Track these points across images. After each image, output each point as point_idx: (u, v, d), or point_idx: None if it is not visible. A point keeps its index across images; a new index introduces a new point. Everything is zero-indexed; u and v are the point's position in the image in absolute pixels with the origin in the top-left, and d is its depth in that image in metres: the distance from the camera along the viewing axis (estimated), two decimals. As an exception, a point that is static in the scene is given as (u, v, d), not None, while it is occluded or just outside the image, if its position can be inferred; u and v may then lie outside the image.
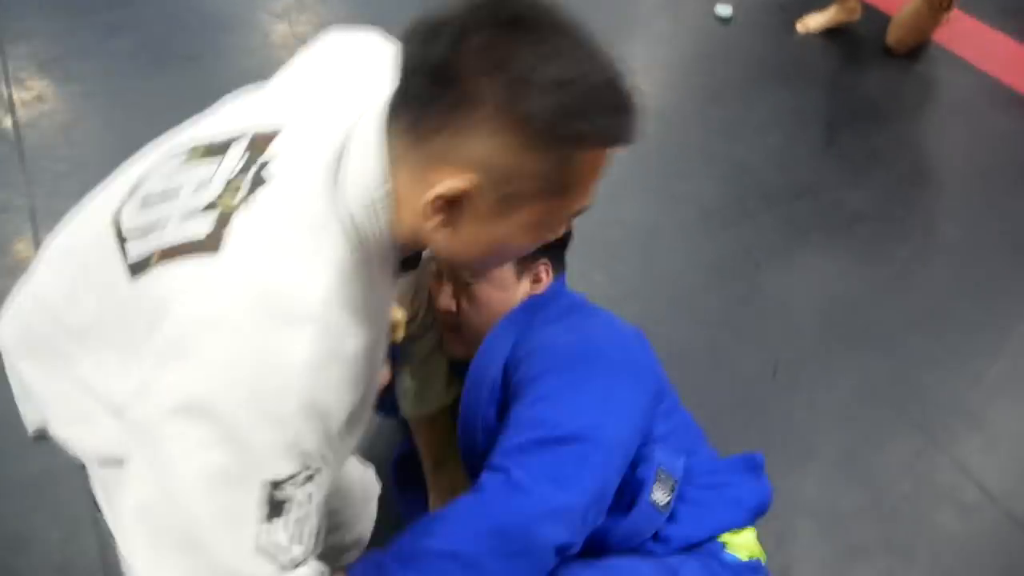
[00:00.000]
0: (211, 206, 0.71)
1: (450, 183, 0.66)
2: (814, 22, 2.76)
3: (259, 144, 0.74)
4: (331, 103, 0.78)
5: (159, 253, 0.70)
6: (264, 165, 0.72)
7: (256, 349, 0.65)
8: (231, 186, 0.72)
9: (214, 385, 0.64)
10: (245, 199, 0.70)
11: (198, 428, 0.64)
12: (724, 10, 2.75)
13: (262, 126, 0.77)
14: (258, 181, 0.71)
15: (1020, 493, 1.65)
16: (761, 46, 2.73)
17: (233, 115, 0.81)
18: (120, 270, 0.74)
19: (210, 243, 0.68)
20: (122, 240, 0.75)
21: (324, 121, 0.76)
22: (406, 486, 1.49)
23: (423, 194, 0.68)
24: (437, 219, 0.69)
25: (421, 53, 0.66)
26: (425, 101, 0.66)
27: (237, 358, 0.65)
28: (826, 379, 1.81)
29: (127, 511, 0.68)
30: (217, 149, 0.76)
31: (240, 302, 0.66)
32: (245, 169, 0.72)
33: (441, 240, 0.72)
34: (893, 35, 2.71)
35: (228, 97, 0.87)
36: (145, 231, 0.74)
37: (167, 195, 0.75)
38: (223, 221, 0.69)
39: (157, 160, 0.81)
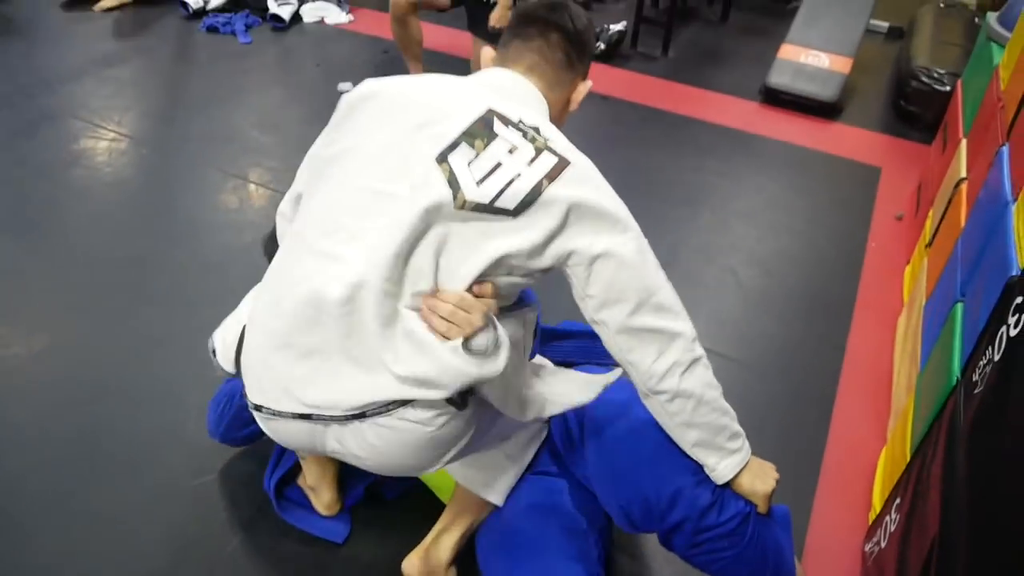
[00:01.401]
0: (538, 150, 1.07)
1: (583, 89, 1.26)
2: None
3: (502, 118, 1.09)
4: (476, 89, 1.16)
5: (544, 180, 1.04)
6: (521, 121, 1.09)
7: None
8: (529, 137, 1.08)
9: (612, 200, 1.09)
10: (543, 137, 1.09)
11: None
12: (345, 86, 3.29)
13: (482, 112, 1.09)
14: (533, 129, 1.09)
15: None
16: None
17: (453, 122, 1.08)
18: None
19: (563, 161, 1.07)
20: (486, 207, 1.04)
21: (496, 95, 1.13)
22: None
23: (569, 96, 1.25)
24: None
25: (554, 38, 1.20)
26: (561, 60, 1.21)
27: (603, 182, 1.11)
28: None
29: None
30: (484, 133, 1.07)
31: (585, 164, 1.10)
32: (518, 128, 1.08)
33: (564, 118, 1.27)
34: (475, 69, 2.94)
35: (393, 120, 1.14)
36: (503, 188, 1.04)
37: (492, 167, 1.05)
38: (551, 150, 1.07)
39: (429, 154, 1.06)
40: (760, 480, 1.19)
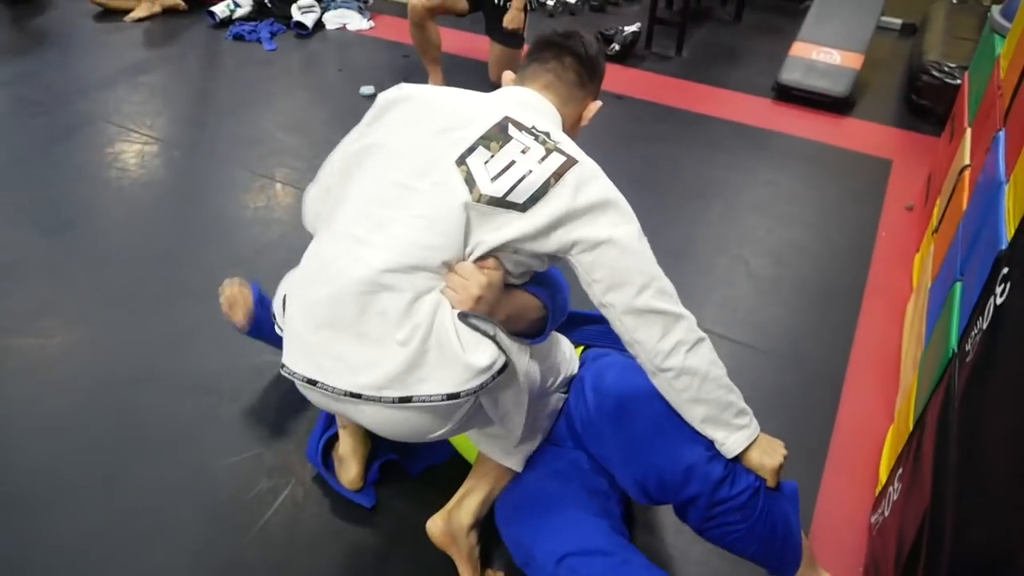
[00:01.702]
0: (548, 151, 1.19)
1: (594, 107, 1.42)
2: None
3: (516, 124, 1.22)
4: (497, 100, 1.30)
5: (552, 177, 1.16)
6: (534, 127, 1.23)
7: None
8: (540, 140, 1.20)
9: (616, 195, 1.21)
10: (553, 141, 1.21)
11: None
12: (367, 90, 3.49)
13: (499, 119, 1.22)
14: (544, 133, 1.22)
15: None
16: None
17: (473, 128, 1.21)
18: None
19: (570, 160, 1.19)
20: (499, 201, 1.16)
21: (513, 105, 1.27)
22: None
23: (581, 113, 1.40)
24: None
25: (568, 61, 1.37)
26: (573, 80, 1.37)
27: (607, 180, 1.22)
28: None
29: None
30: (500, 136, 1.20)
31: (591, 164, 1.22)
32: (531, 132, 1.21)
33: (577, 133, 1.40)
34: (493, 74, 3.53)
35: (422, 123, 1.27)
36: (515, 184, 1.16)
37: (505, 165, 1.17)
38: (560, 151, 1.19)
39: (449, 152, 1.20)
40: (768, 455, 1.27)
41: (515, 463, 1.46)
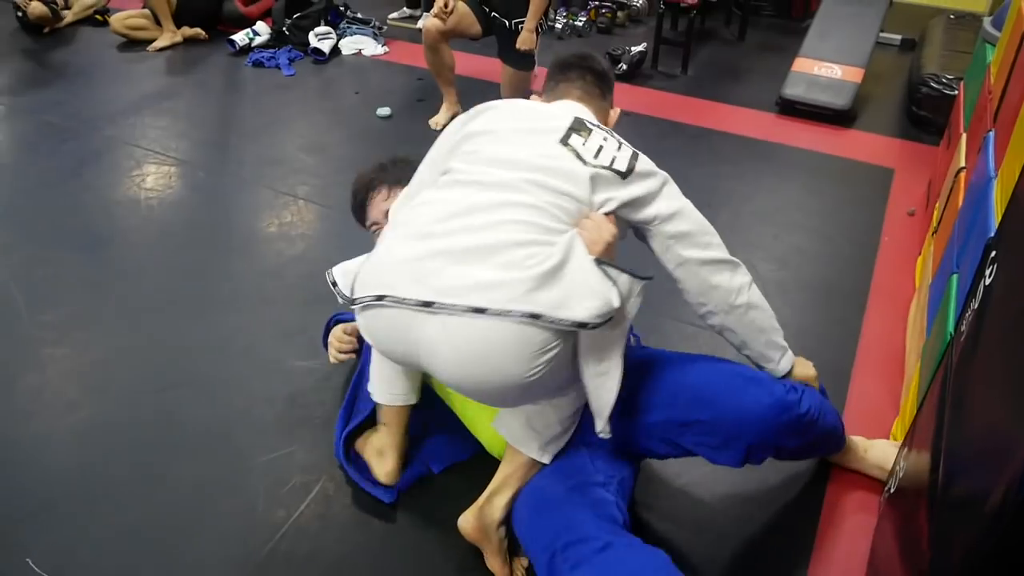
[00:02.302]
0: (619, 142, 1.46)
1: (615, 113, 1.69)
2: (440, 117, 3.53)
3: (589, 122, 1.48)
4: (559, 107, 1.55)
5: (633, 160, 1.43)
6: (599, 125, 1.50)
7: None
8: (609, 133, 1.47)
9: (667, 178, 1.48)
10: (615, 137, 1.49)
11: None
12: (384, 111, 3.64)
13: (571, 118, 1.45)
14: (607, 130, 1.50)
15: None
16: (409, 131, 3.53)
17: (558, 122, 1.44)
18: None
19: (636, 152, 1.46)
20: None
21: (575, 111, 1.51)
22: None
23: (607, 120, 1.66)
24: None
25: (589, 78, 1.62)
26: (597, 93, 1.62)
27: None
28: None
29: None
30: (584, 128, 1.44)
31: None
32: (600, 128, 1.47)
33: None
34: (505, 95, 3.53)
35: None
36: (612, 159, 1.41)
37: (598, 148, 1.41)
38: (626, 144, 1.48)
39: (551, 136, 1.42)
40: (806, 367, 1.58)
41: (547, 457, 1.52)
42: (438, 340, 1.25)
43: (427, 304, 1.23)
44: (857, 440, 1.76)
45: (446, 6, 3.21)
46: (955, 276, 1.66)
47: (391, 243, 1.35)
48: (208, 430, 1.90)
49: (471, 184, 1.36)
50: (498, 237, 1.25)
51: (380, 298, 1.28)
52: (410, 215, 1.38)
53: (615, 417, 1.40)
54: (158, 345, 2.18)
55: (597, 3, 5.00)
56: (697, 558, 1.60)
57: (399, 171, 1.77)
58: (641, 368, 1.52)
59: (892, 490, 1.58)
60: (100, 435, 1.88)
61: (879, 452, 1.74)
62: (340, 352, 1.84)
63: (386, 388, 1.65)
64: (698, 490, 1.75)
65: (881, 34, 3.89)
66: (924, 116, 3.51)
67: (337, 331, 1.88)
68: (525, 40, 3.21)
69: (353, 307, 1.37)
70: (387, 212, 1.66)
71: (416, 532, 1.66)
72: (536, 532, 1.43)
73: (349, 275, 1.42)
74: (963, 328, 1.33)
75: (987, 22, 2.41)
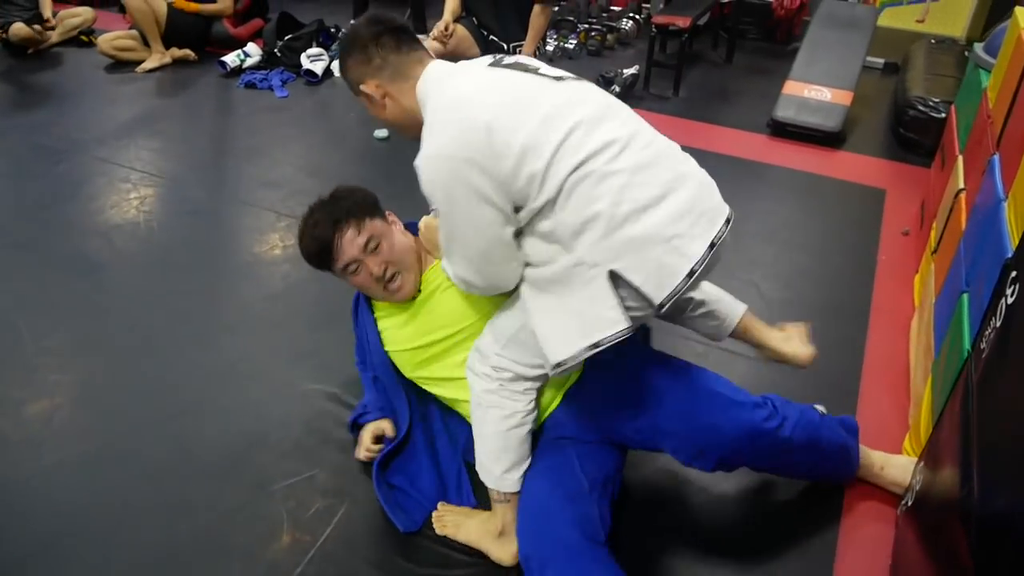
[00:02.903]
0: None
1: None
2: None
3: None
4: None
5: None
6: None
7: None
8: None
9: None
10: None
11: None
12: (381, 133, 3.65)
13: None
14: None
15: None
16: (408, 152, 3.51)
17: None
18: None
19: None
20: None
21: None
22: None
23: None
24: None
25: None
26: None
27: None
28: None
29: None
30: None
31: None
32: None
33: None
34: None
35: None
36: None
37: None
38: None
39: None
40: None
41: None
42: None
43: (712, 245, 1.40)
44: (875, 456, 1.79)
45: (446, 29, 3.25)
46: (965, 295, 1.70)
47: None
48: (224, 456, 1.88)
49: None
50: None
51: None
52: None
53: (605, 410, 1.57)
54: (167, 370, 2.16)
55: (587, 26, 5.07)
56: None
57: (348, 203, 1.68)
58: (639, 367, 1.58)
59: (910, 503, 1.61)
60: (112, 463, 1.86)
61: (897, 470, 1.77)
62: (368, 457, 1.82)
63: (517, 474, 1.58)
64: (714, 507, 1.77)
65: (866, 58, 3.99)
66: (911, 138, 3.60)
67: (366, 439, 1.83)
68: (524, 62, 3.26)
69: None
70: (363, 246, 1.64)
71: (449, 554, 1.66)
72: (524, 535, 1.51)
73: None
74: (983, 346, 1.37)
75: (979, 48, 2.49)
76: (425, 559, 1.64)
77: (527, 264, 1.44)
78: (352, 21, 4.80)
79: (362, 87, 1.49)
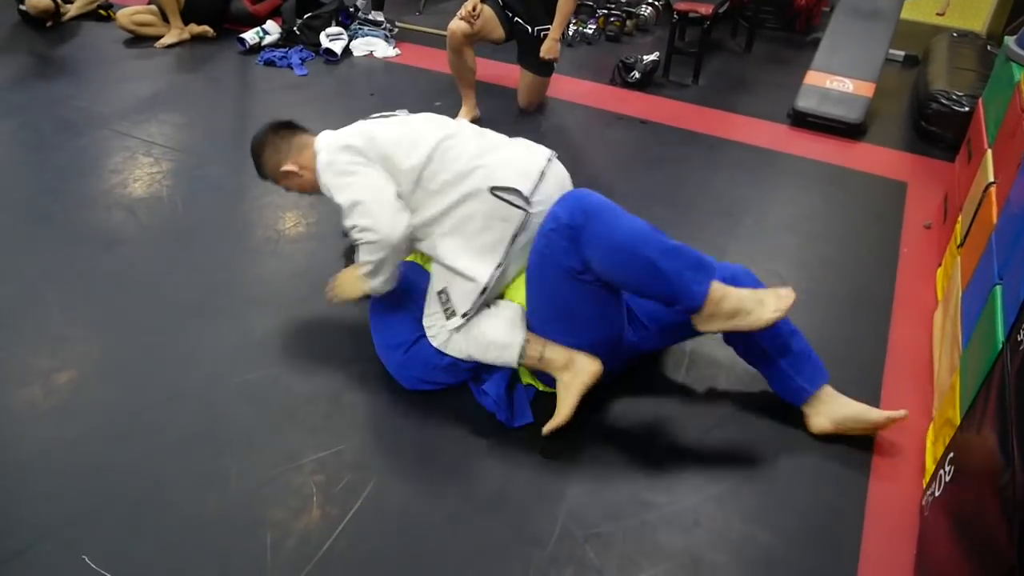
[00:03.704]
0: None
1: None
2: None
3: None
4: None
5: None
6: None
7: None
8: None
9: None
10: None
11: None
12: (401, 113, 3.55)
13: None
14: None
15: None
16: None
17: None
18: None
19: None
20: None
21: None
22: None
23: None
24: None
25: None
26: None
27: None
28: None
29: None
30: None
31: None
32: None
33: None
34: (522, 100, 3.77)
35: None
36: None
37: None
38: None
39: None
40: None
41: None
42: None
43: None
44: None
45: (474, 9, 3.24)
46: (999, 287, 1.71)
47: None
48: (252, 429, 1.90)
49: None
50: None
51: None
52: None
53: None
54: (195, 343, 2.18)
55: (606, 11, 5.05)
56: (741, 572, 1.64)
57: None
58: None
59: (937, 494, 1.62)
60: (141, 434, 1.87)
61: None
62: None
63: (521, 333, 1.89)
64: (738, 498, 1.79)
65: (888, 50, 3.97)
66: (933, 131, 3.59)
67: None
68: (550, 49, 3.25)
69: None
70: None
71: (476, 527, 1.67)
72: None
73: None
74: (1021, 337, 1.38)
75: (1010, 41, 2.48)
76: (454, 533, 1.66)
77: None
78: (360, 2, 4.81)
79: (282, 169, 2.14)
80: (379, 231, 1.88)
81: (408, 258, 2.15)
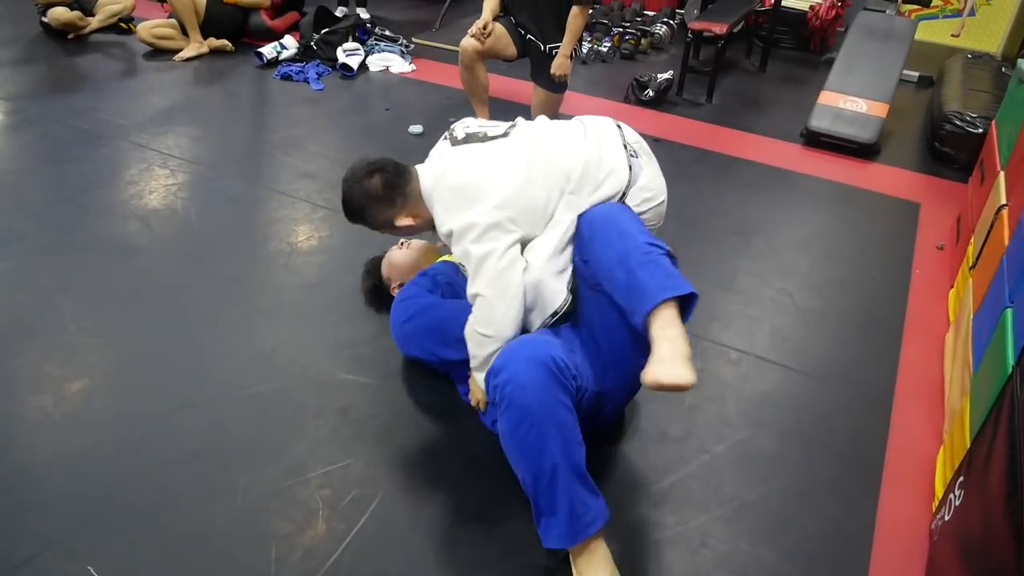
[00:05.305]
0: None
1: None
2: None
3: None
4: None
5: None
6: None
7: None
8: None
9: None
10: None
11: None
12: (416, 129, 3.74)
13: None
14: None
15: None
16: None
17: None
18: None
19: None
20: None
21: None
22: None
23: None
24: None
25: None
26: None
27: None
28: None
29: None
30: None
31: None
32: None
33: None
34: (536, 115, 3.73)
35: None
36: None
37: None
38: None
39: None
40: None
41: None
42: None
43: None
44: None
45: (485, 27, 3.27)
46: (1009, 310, 1.70)
47: None
48: (261, 441, 1.91)
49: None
50: None
51: None
52: None
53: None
54: (206, 354, 2.19)
55: (621, 30, 5.08)
56: (756, 581, 1.62)
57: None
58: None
59: (947, 518, 1.61)
60: (151, 444, 1.89)
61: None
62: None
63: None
64: (744, 521, 1.78)
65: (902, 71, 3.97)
66: (947, 152, 3.58)
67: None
68: (561, 65, 3.27)
69: None
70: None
71: (482, 543, 1.67)
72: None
73: None
74: (1032, 361, 1.37)
75: (1024, 64, 2.48)
76: (460, 549, 1.66)
77: None
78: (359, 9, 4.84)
79: (398, 224, 1.90)
80: (495, 328, 1.69)
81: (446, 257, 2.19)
